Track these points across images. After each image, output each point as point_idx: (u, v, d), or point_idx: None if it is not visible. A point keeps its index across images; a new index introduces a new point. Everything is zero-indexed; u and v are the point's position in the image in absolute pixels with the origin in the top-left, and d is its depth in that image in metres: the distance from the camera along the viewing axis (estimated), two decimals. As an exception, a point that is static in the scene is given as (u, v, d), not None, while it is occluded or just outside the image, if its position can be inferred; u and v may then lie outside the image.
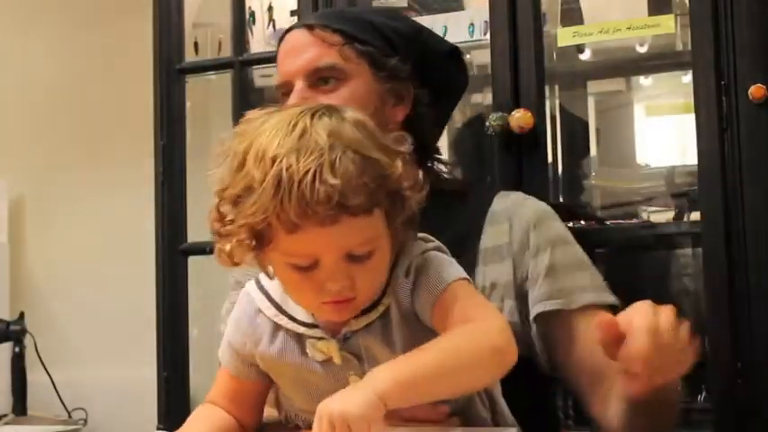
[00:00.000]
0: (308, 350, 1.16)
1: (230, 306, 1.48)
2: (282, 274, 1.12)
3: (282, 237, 1.06)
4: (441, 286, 1.12)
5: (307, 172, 1.02)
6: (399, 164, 1.09)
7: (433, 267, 1.14)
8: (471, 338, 1.07)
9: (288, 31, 1.48)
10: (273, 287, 1.19)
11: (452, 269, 1.15)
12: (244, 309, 1.21)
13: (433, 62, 1.47)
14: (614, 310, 1.40)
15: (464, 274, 1.15)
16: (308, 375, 1.17)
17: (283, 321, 1.17)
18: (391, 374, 1.00)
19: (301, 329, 1.16)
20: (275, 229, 1.05)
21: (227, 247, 1.11)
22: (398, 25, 1.46)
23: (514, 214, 1.46)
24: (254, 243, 1.09)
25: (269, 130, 1.08)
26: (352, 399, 0.97)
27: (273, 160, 1.04)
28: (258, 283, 1.21)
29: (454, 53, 1.49)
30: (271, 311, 1.18)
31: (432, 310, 1.12)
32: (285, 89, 1.44)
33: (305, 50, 1.42)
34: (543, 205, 1.50)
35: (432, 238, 1.20)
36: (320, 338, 1.16)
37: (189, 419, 1.25)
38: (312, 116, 1.08)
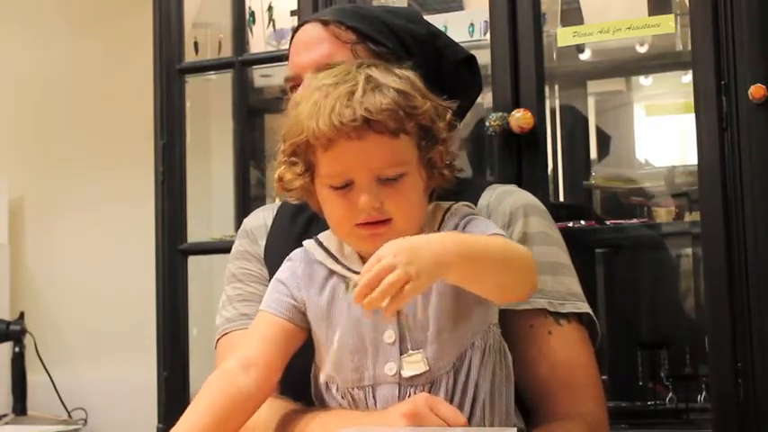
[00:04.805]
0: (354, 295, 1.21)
1: (227, 298, 1.49)
2: (324, 199, 1.23)
3: (320, 156, 1.19)
4: (487, 231, 1.21)
5: (341, 94, 1.17)
6: (430, 104, 1.22)
7: (478, 223, 1.24)
8: (524, 252, 1.19)
9: (302, 24, 1.47)
10: (331, 243, 1.27)
11: (494, 227, 1.24)
12: (300, 258, 1.28)
13: (446, 68, 1.45)
14: (589, 319, 1.38)
15: (503, 233, 1.24)
16: (349, 325, 1.21)
17: (337, 268, 1.25)
18: (460, 246, 1.11)
19: (355, 277, 1.21)
20: (314, 149, 1.19)
21: (278, 173, 1.24)
22: (415, 28, 1.43)
23: (494, 210, 1.41)
24: (302, 169, 1.22)
25: (323, 76, 1.23)
26: (422, 250, 1.07)
27: (317, 90, 1.20)
28: (317, 240, 1.29)
29: (469, 61, 1.47)
30: (328, 261, 1.26)
31: None
32: (294, 82, 1.42)
33: (317, 45, 1.41)
34: (530, 200, 1.44)
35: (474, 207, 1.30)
36: None
37: (202, 388, 1.24)
38: (361, 65, 1.24)
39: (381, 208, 1.18)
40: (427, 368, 1.18)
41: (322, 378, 1.26)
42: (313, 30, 1.43)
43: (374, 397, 1.20)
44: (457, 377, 1.20)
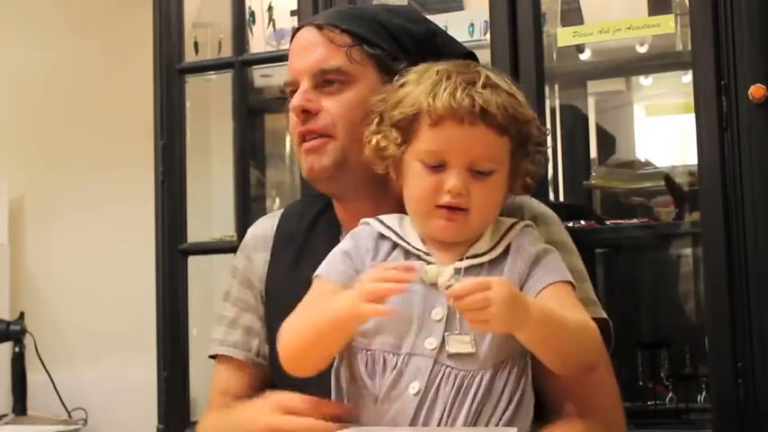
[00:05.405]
0: (415, 265, 1.22)
1: (217, 317, 1.53)
2: (412, 173, 1.26)
3: (424, 130, 1.24)
4: (559, 276, 1.26)
5: (462, 81, 1.23)
6: (532, 116, 1.28)
7: (554, 257, 1.29)
8: (593, 335, 1.22)
9: (299, 28, 1.48)
10: (391, 222, 1.31)
11: (565, 270, 1.28)
12: (365, 234, 1.31)
13: None
14: (604, 324, 1.39)
15: (572, 279, 1.28)
16: (402, 295, 1.22)
17: (401, 242, 1.29)
18: (543, 313, 1.15)
19: (416, 252, 1.27)
20: (420, 122, 1.24)
21: (375, 140, 1.29)
22: (413, 27, 1.44)
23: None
24: (400, 140, 1.27)
25: (439, 64, 1.29)
26: (519, 305, 1.11)
27: (437, 72, 1.26)
28: (377, 219, 1.33)
29: (469, 58, 1.48)
30: (392, 235, 1.29)
31: (543, 287, 1.24)
32: (292, 87, 1.44)
33: (312, 50, 1.42)
34: (544, 209, 1.46)
35: None
36: (430, 264, 1.25)
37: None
38: (477, 64, 1.32)
39: (466, 196, 1.23)
40: (473, 350, 1.21)
41: (354, 344, 1.27)
42: (308, 34, 1.44)
43: (406, 366, 1.22)
44: (493, 380, 1.22)
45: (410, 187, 1.28)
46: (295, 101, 1.41)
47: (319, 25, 1.43)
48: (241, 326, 1.51)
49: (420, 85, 1.26)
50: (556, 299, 1.22)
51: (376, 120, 1.31)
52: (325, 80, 1.41)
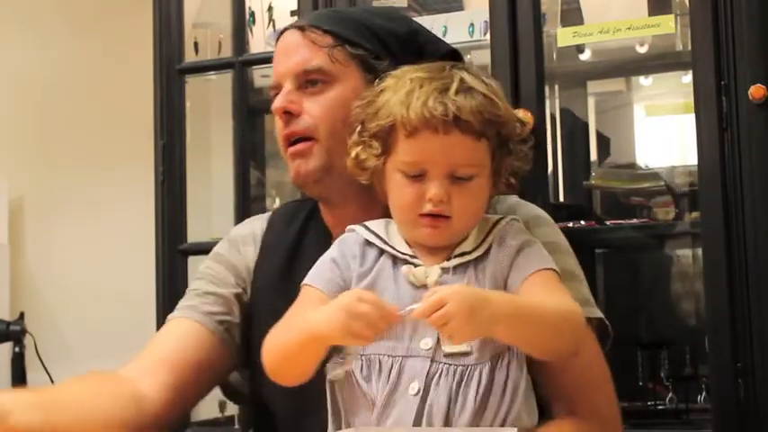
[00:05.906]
0: (403, 270, 1.25)
1: (206, 269, 1.53)
2: (394, 184, 1.27)
3: (401, 141, 1.24)
4: (542, 264, 1.26)
5: (435, 89, 1.23)
6: (511, 115, 1.28)
7: (537, 247, 1.29)
8: (576, 317, 1.21)
9: (282, 32, 1.48)
10: (377, 228, 1.32)
11: (549, 259, 1.28)
12: (351, 241, 1.31)
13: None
14: (601, 323, 1.39)
15: (555, 267, 1.27)
16: (392, 299, 1.22)
17: (387, 248, 1.29)
18: (511, 308, 1.15)
19: (402, 257, 1.27)
20: (397, 133, 1.24)
21: (355, 152, 1.29)
22: (395, 27, 1.44)
23: None
24: (379, 151, 1.27)
25: (415, 69, 1.28)
26: (481, 312, 1.10)
27: (410, 81, 1.25)
28: (363, 225, 1.33)
29: (453, 55, 1.47)
30: (378, 242, 1.29)
31: (526, 277, 1.24)
32: (276, 90, 1.44)
33: (295, 52, 1.42)
34: (538, 211, 1.46)
35: None
36: (418, 266, 1.25)
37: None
38: (453, 66, 1.29)
39: (447, 204, 1.23)
40: (469, 348, 1.21)
41: (348, 349, 1.27)
42: (291, 37, 1.44)
43: (403, 368, 1.22)
44: (493, 372, 1.22)
45: (393, 197, 1.28)
46: (277, 102, 1.41)
47: (301, 27, 1.43)
48: (212, 297, 1.49)
49: (395, 94, 1.26)
50: (538, 286, 1.23)
51: (358, 128, 1.30)
52: (308, 81, 1.41)
